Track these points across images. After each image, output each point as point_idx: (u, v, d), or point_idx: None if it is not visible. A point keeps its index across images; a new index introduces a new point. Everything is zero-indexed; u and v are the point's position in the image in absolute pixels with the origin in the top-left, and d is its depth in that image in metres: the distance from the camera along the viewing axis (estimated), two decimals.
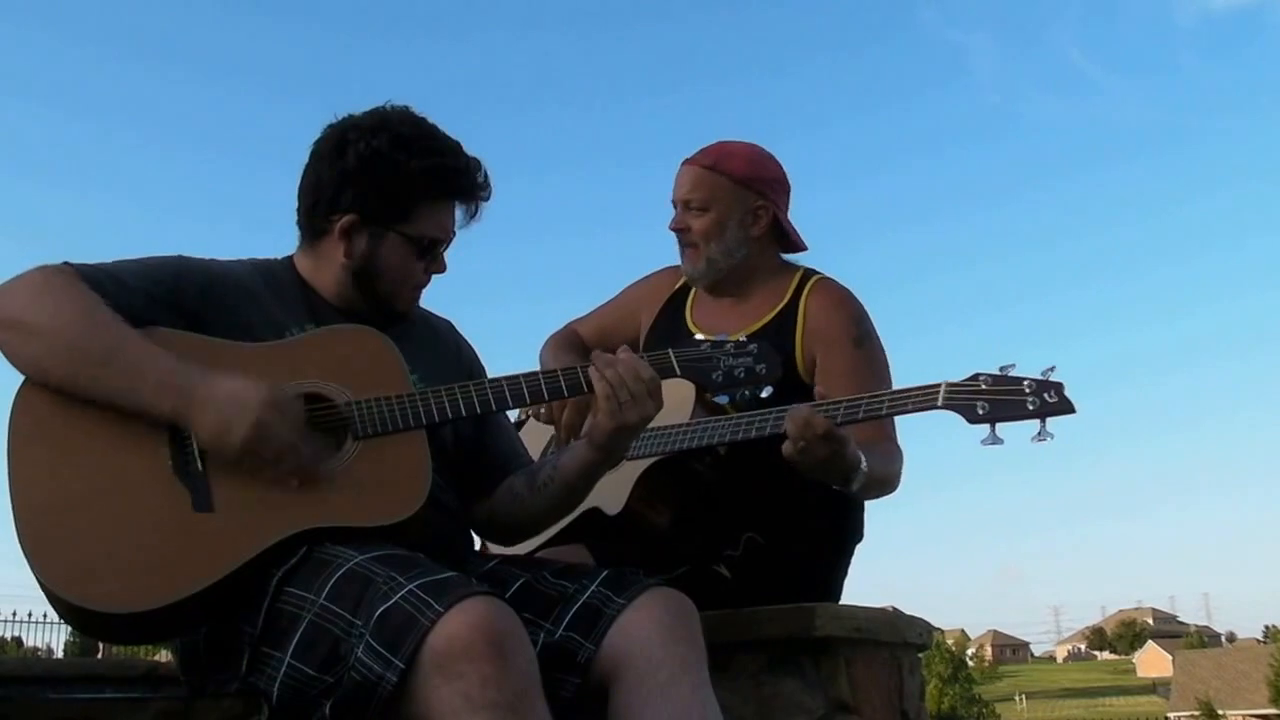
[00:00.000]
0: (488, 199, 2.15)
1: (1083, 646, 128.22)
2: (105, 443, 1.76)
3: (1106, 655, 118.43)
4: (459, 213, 2.13)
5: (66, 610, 1.67)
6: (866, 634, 2.40)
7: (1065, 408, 1.93)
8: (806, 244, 2.82)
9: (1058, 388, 1.93)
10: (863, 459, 2.21)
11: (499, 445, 2.19)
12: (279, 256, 2.18)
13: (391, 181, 2.02)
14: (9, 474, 1.74)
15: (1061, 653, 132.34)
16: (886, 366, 2.66)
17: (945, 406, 2.01)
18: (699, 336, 2.03)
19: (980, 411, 1.97)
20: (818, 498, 2.53)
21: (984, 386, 1.98)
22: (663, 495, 2.55)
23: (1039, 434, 1.94)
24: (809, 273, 2.76)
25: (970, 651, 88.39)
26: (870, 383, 2.53)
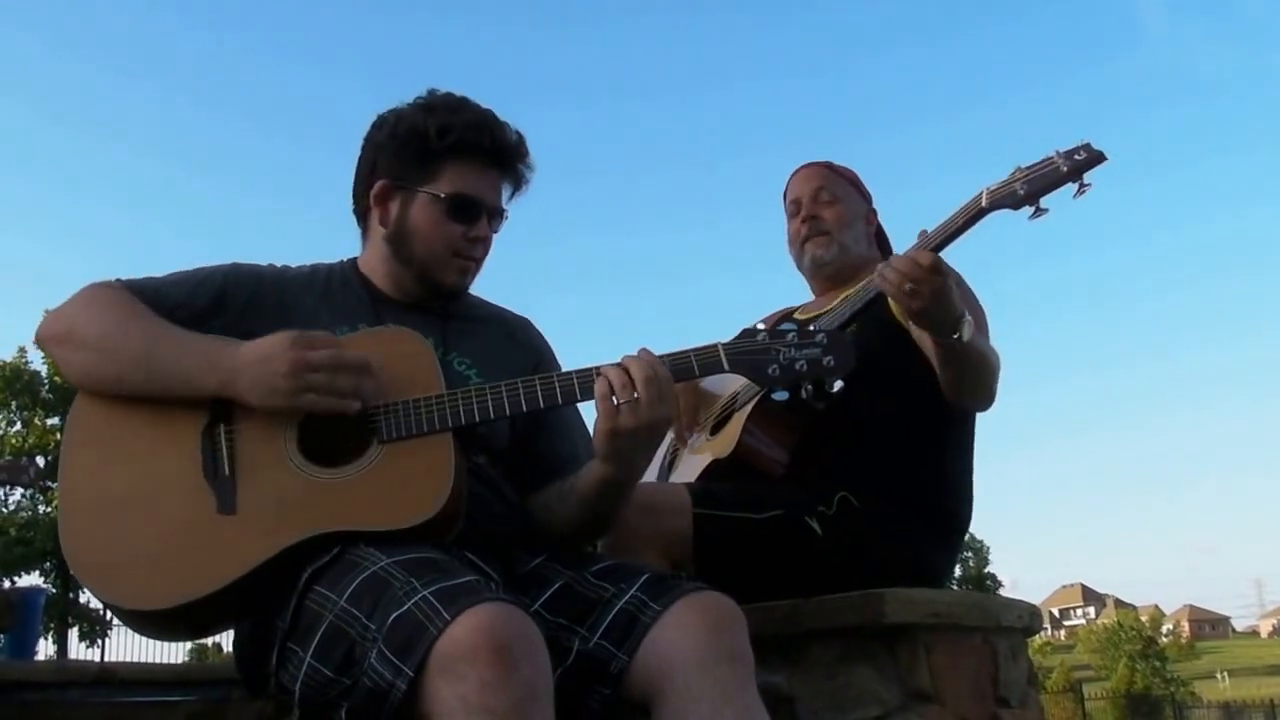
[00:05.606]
0: (525, 162, 2.11)
1: None
2: (143, 447, 1.84)
3: None
4: (498, 180, 2.10)
5: (101, 602, 1.76)
6: (946, 619, 2.28)
7: (1096, 158, 2.06)
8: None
9: (1085, 146, 2.07)
10: (965, 310, 2.26)
11: (554, 445, 2.12)
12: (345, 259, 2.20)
13: (415, 140, 2.04)
14: (59, 475, 1.85)
15: (1266, 627, 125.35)
16: (975, 295, 2.60)
17: (990, 207, 2.15)
18: (759, 325, 1.89)
19: (1021, 193, 2.10)
20: (920, 472, 2.53)
21: (1021, 175, 2.11)
22: (779, 430, 2.53)
23: (1078, 191, 2.07)
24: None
25: (1166, 628, 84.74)
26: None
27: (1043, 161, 2.11)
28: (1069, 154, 2.08)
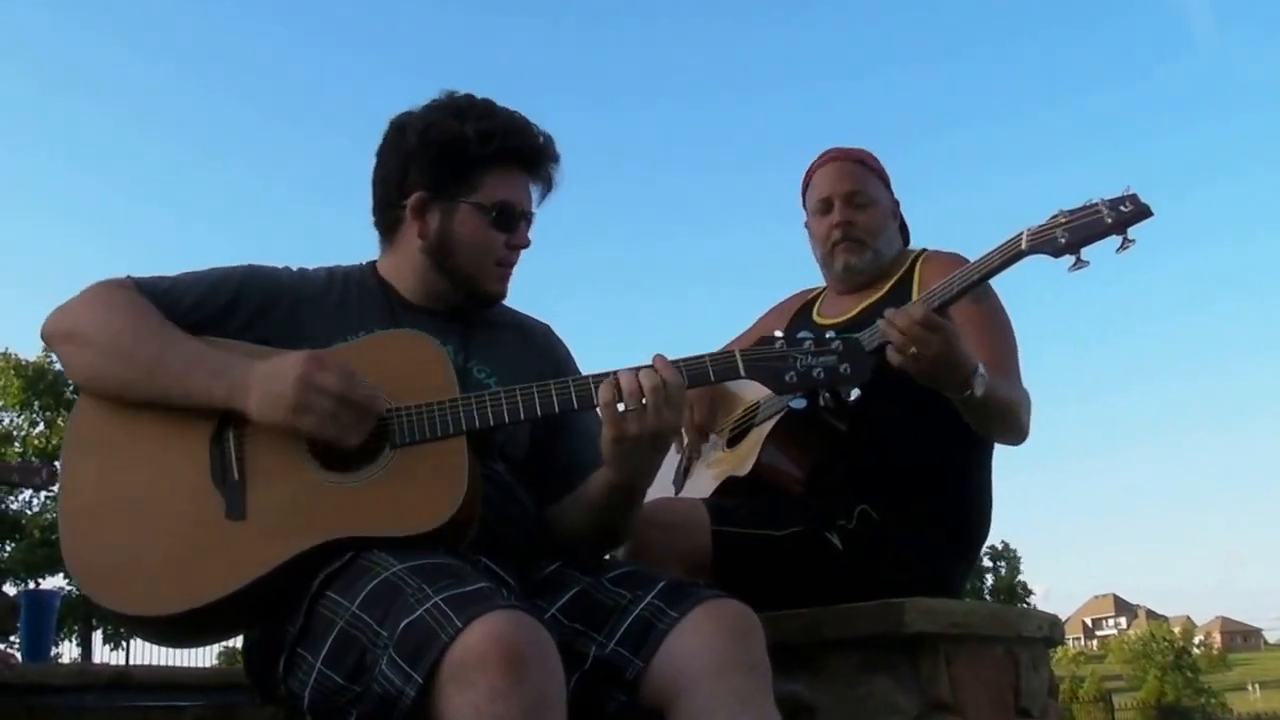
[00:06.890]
0: (556, 165, 2.09)
1: None
2: (150, 451, 1.81)
3: None
4: (532, 187, 2.08)
5: (101, 607, 1.73)
6: (965, 629, 2.26)
7: (1142, 212, 1.96)
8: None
9: (1131, 198, 1.97)
10: (980, 364, 2.16)
11: (573, 451, 2.09)
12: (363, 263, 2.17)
13: (453, 149, 1.99)
14: (60, 479, 1.83)
15: None
16: (1009, 321, 2.56)
17: (1030, 250, 2.06)
18: (776, 334, 1.88)
19: (1062, 241, 2.01)
20: (939, 483, 2.49)
21: (1063, 220, 2.02)
22: (797, 451, 2.48)
23: (1122, 245, 1.98)
24: (922, 250, 2.74)
25: (1198, 639, 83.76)
26: (991, 334, 2.45)
27: (1085, 208, 2.01)
28: (1114, 204, 1.98)
